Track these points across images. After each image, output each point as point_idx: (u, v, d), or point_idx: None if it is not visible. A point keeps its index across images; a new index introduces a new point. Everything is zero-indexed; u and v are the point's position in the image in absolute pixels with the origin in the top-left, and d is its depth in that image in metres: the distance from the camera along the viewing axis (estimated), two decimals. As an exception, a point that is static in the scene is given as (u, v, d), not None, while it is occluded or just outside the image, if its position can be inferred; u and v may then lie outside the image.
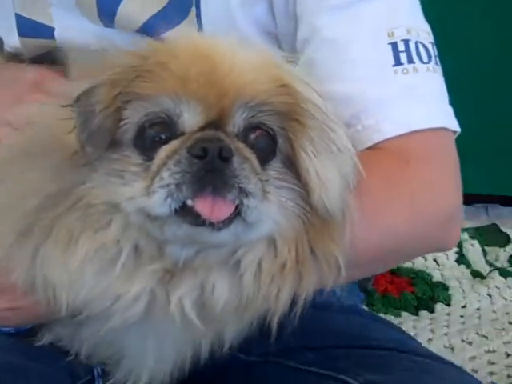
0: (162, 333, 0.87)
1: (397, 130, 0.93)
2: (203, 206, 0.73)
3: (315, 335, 1.02)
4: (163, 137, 0.76)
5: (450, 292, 1.83)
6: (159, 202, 0.73)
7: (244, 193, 0.74)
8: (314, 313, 0.85)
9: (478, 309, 1.80)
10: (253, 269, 0.79)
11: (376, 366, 0.94)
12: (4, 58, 1.22)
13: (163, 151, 0.75)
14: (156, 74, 0.77)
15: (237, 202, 0.73)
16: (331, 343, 1.01)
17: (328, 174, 0.78)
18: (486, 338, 1.66)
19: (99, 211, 0.78)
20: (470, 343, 1.63)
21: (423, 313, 1.76)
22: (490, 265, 2.13)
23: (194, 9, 1.05)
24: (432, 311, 1.77)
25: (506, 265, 2.18)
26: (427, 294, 1.80)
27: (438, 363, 0.97)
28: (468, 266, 2.02)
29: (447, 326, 1.69)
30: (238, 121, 0.77)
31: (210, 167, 0.73)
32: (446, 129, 0.97)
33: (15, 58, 1.19)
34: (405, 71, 0.95)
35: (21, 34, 1.13)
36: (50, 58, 1.14)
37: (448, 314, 1.76)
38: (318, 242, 0.80)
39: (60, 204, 0.78)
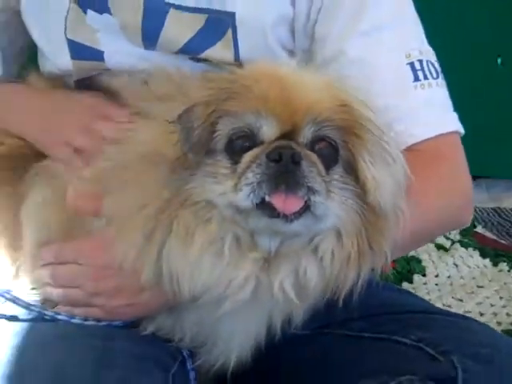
0: (249, 316, 1.04)
1: (426, 133, 1.15)
2: (277, 201, 0.89)
3: (359, 307, 1.22)
4: (247, 145, 0.93)
5: (423, 264, 2.09)
6: (244, 197, 0.90)
7: (311, 191, 0.90)
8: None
9: (448, 277, 2.07)
10: (328, 255, 0.97)
11: (418, 326, 1.14)
12: (43, 82, 1.33)
13: (247, 156, 0.92)
14: (242, 95, 0.94)
15: (305, 198, 0.90)
16: (374, 312, 1.20)
17: (382, 178, 0.95)
18: (461, 301, 1.92)
19: (201, 207, 0.94)
20: (450, 306, 1.88)
21: (405, 284, 2.01)
22: (447, 238, 2.41)
23: (230, 30, 1.21)
24: (411, 282, 2.02)
25: (458, 237, 2.45)
26: (405, 268, 2.04)
27: (463, 320, 1.19)
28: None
29: (428, 294, 1.95)
30: (306, 133, 0.94)
31: (284, 169, 0.89)
32: (457, 131, 1.20)
33: (58, 79, 1.30)
34: (422, 86, 1.18)
35: (73, 57, 1.25)
36: (93, 80, 1.27)
37: (425, 284, 2.01)
38: (374, 238, 0.97)
39: (173, 206, 0.94)
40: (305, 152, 0.92)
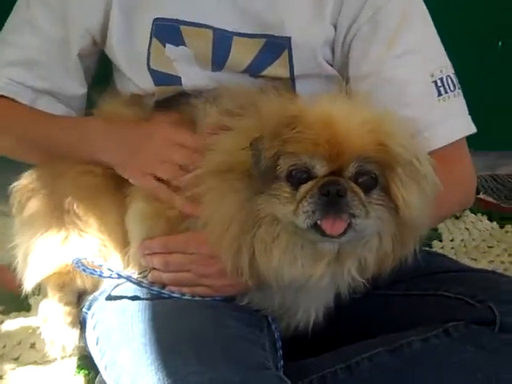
0: (323, 290, 1.31)
1: (445, 141, 1.42)
2: (326, 226, 1.16)
3: (401, 271, 1.41)
4: (304, 177, 1.19)
5: (439, 231, 2.34)
6: (301, 221, 1.16)
7: (353, 215, 1.16)
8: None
9: (462, 240, 2.33)
10: (374, 251, 1.24)
11: (457, 282, 1.41)
12: (117, 104, 1.54)
13: (303, 188, 1.18)
14: (298, 140, 1.18)
15: (348, 221, 1.16)
16: (416, 274, 1.45)
17: (411, 199, 1.19)
18: (476, 260, 2.18)
19: (271, 224, 1.21)
20: (466, 266, 2.15)
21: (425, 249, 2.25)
22: (454, 206, 2.66)
23: (286, 51, 1.45)
24: (431, 247, 2.25)
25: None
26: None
27: (492, 274, 1.47)
28: (442, 209, 2.53)
29: (445, 257, 2.21)
30: (351, 169, 1.18)
31: (331, 201, 1.15)
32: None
33: (135, 100, 1.53)
34: (444, 99, 1.45)
35: (156, 83, 1.49)
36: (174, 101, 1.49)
37: (442, 248, 2.27)
38: (405, 239, 1.24)
39: (250, 226, 1.21)
40: (349, 184, 1.17)
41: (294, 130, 1.18)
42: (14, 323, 1.76)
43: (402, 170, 1.19)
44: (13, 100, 1.51)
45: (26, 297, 1.77)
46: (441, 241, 2.32)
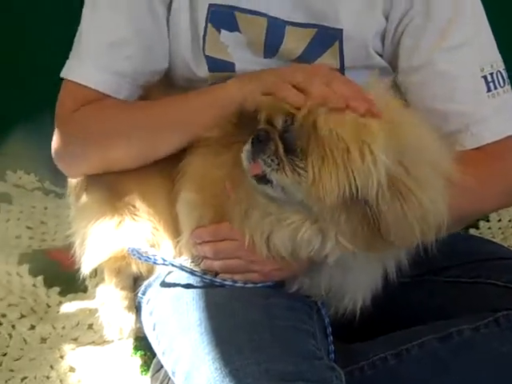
0: (369, 270, 1.33)
1: (493, 137, 1.42)
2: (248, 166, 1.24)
3: (452, 257, 1.47)
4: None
5: (487, 211, 2.33)
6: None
7: (264, 162, 1.20)
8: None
9: (509, 220, 2.31)
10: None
11: (507, 270, 1.42)
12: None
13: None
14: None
15: (263, 168, 1.21)
16: (466, 261, 1.48)
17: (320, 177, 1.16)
18: (523, 242, 2.18)
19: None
20: (512, 247, 2.14)
21: (472, 230, 2.24)
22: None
23: (337, 43, 1.46)
24: (477, 228, 2.27)
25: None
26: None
27: None
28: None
29: (493, 237, 2.20)
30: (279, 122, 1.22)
31: (254, 146, 1.22)
32: None
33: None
34: (493, 95, 1.44)
35: (210, 70, 1.51)
36: None
37: (489, 228, 2.27)
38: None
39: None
40: (274, 135, 1.20)
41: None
42: (71, 305, 1.84)
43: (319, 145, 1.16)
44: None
45: (83, 278, 1.88)
46: (488, 221, 2.30)
